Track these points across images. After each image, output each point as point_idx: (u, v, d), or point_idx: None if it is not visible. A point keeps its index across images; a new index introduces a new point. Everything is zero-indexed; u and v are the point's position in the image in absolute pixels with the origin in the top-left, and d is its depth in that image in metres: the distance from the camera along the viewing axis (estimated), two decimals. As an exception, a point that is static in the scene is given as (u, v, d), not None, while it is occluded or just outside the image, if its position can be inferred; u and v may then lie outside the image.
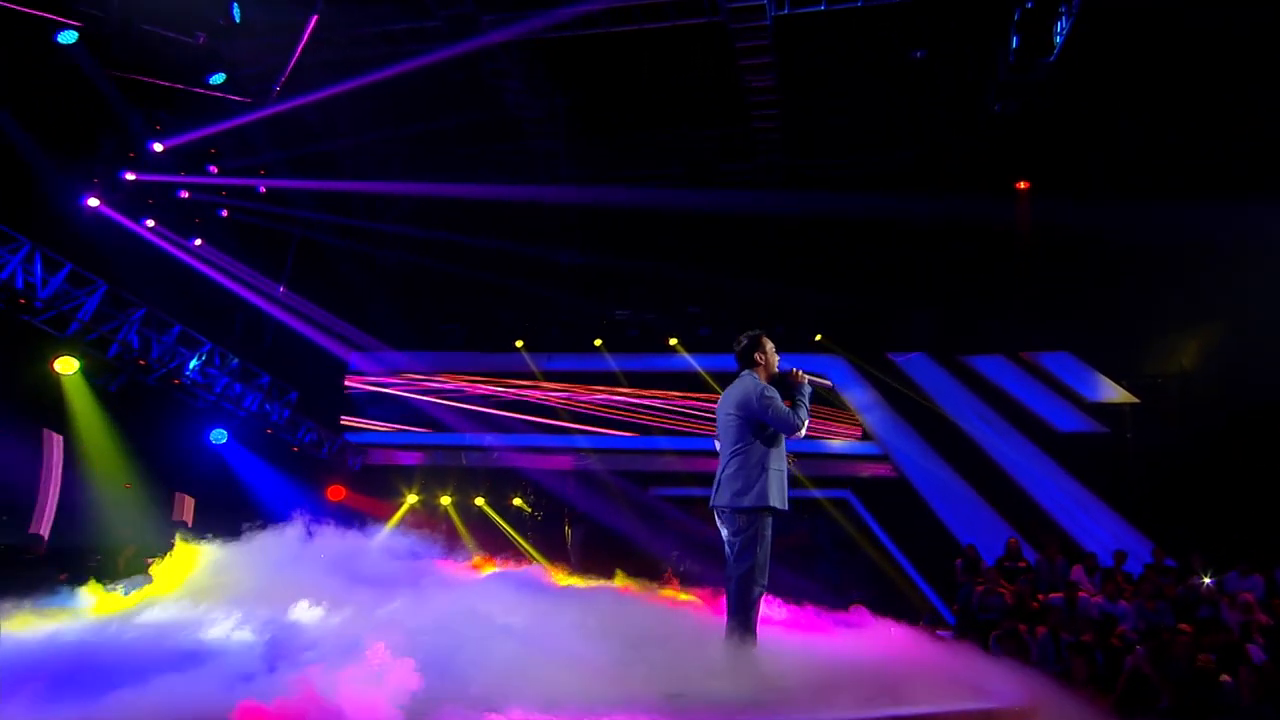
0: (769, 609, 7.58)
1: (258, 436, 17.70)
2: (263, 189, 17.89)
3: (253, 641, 5.58)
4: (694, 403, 18.25)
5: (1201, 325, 16.25)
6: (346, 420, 19.31)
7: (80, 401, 15.39)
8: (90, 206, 15.91)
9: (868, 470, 18.14)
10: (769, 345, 6.25)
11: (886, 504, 17.96)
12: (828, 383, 6.37)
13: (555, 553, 17.13)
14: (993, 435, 17.13)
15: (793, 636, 7.08)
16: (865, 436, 18.17)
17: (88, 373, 15.23)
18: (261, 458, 17.63)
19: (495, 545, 17.13)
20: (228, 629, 6.03)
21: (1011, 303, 16.62)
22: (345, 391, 19.18)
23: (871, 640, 7.03)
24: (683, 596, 11.30)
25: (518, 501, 18.95)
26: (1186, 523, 14.22)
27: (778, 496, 5.82)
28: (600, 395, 18.75)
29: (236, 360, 17.42)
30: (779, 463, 5.91)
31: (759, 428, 5.92)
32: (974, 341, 17.65)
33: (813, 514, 18.04)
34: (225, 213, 17.92)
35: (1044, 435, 16.95)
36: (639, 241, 17.64)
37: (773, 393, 5.91)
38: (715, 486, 5.97)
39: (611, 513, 17.70)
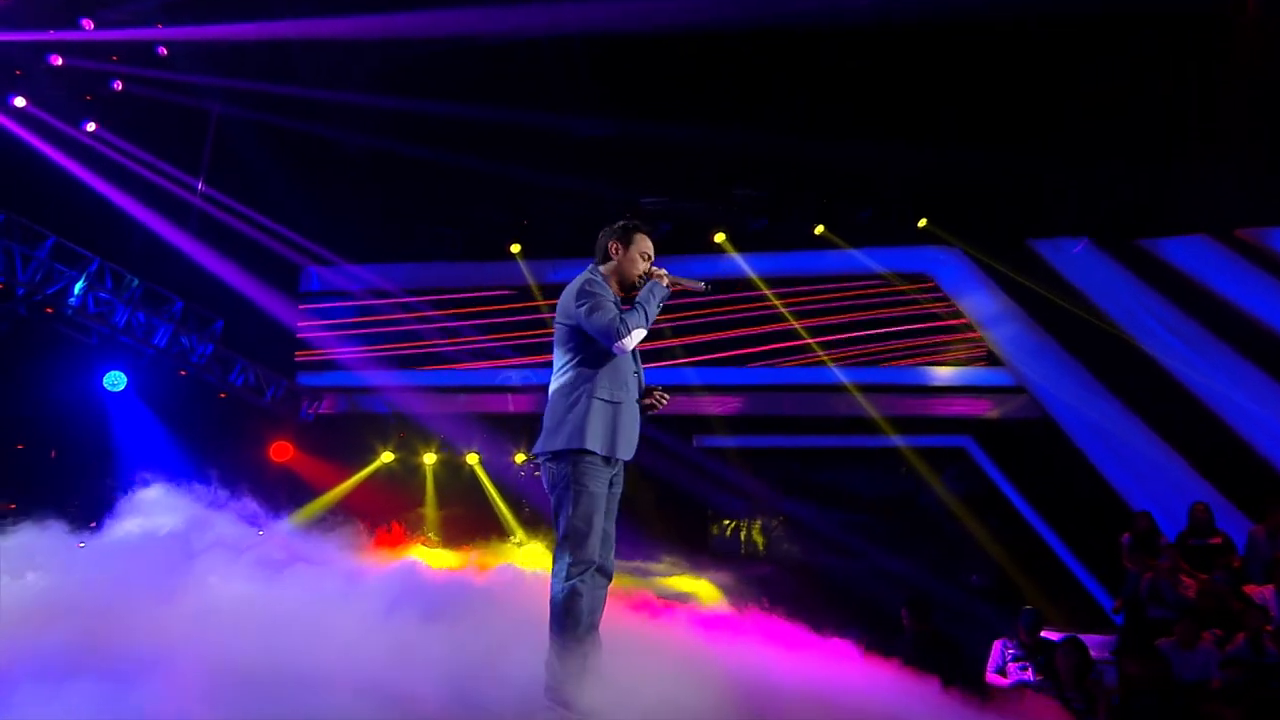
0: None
1: (171, 380, 13.82)
2: (163, 49, 13.66)
3: None
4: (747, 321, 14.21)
5: None
6: (302, 355, 15.21)
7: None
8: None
9: (995, 408, 13.81)
10: (638, 242, 4.87)
11: (1022, 454, 13.70)
12: (701, 285, 4.93)
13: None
14: (1186, 353, 12.50)
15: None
16: (991, 361, 13.67)
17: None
18: (178, 408, 13.83)
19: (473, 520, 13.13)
20: None
21: (1223, 159, 11.70)
22: (295, 320, 15.03)
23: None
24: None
25: (521, 458, 14.68)
26: None
27: (603, 437, 4.53)
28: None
29: (138, 281, 13.51)
30: (614, 390, 4.62)
31: (583, 340, 4.68)
32: (1163, 217, 12.82)
33: (914, 470, 14.03)
34: (119, 84, 13.75)
35: (1267, 350, 12.01)
36: (675, 97, 13.42)
37: (600, 288, 4.68)
38: None
39: (642, 470, 13.30)
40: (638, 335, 4.58)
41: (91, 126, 13.83)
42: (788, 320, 13.97)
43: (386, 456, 15.10)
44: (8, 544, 6.27)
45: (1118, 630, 10.16)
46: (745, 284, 14.19)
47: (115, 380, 13.51)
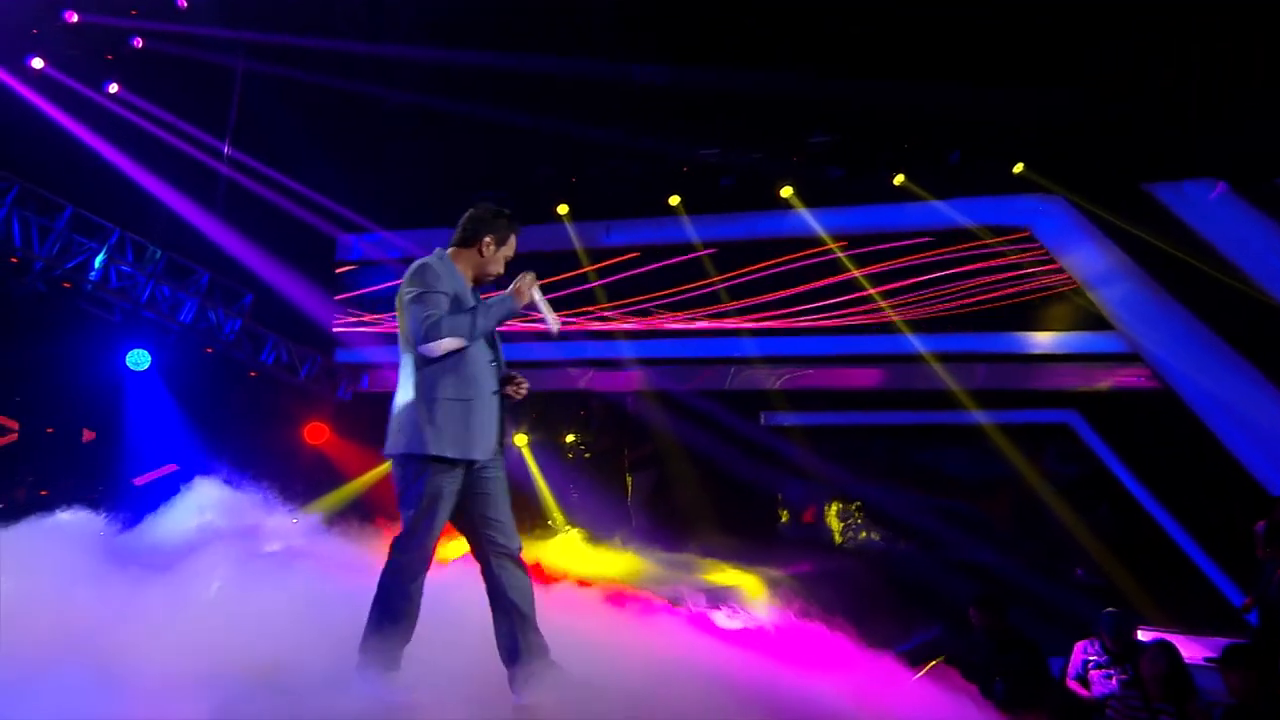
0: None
1: (198, 358, 13.08)
2: (183, 1, 12.87)
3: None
4: (819, 285, 12.76)
5: None
6: (339, 330, 14.34)
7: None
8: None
9: (1105, 378, 12.20)
10: (511, 242, 4.57)
11: (1136, 431, 12.10)
12: (555, 327, 4.45)
13: (611, 514, 11.90)
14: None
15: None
16: (1101, 325, 12.04)
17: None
18: (206, 388, 13.12)
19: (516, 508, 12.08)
20: None
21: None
22: (331, 292, 14.16)
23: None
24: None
25: (572, 438, 13.63)
26: None
27: (449, 440, 4.26)
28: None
29: (161, 253, 12.78)
30: (461, 388, 4.32)
31: None
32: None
33: (1010, 449, 12.53)
34: (139, 41, 12.98)
35: None
36: (737, 37, 12.13)
37: (434, 278, 4.30)
38: None
39: (700, 452, 12.16)
40: (451, 344, 4.25)
41: (114, 88, 13.17)
42: (863, 284, 12.58)
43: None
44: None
45: (1251, 632, 8.94)
46: (814, 242, 12.82)
47: (139, 359, 12.82)
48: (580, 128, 13.13)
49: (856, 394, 12.92)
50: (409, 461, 4.32)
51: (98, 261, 12.66)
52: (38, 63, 12.45)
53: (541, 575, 7.48)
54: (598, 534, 11.13)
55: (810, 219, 12.92)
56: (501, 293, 4.37)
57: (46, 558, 5.57)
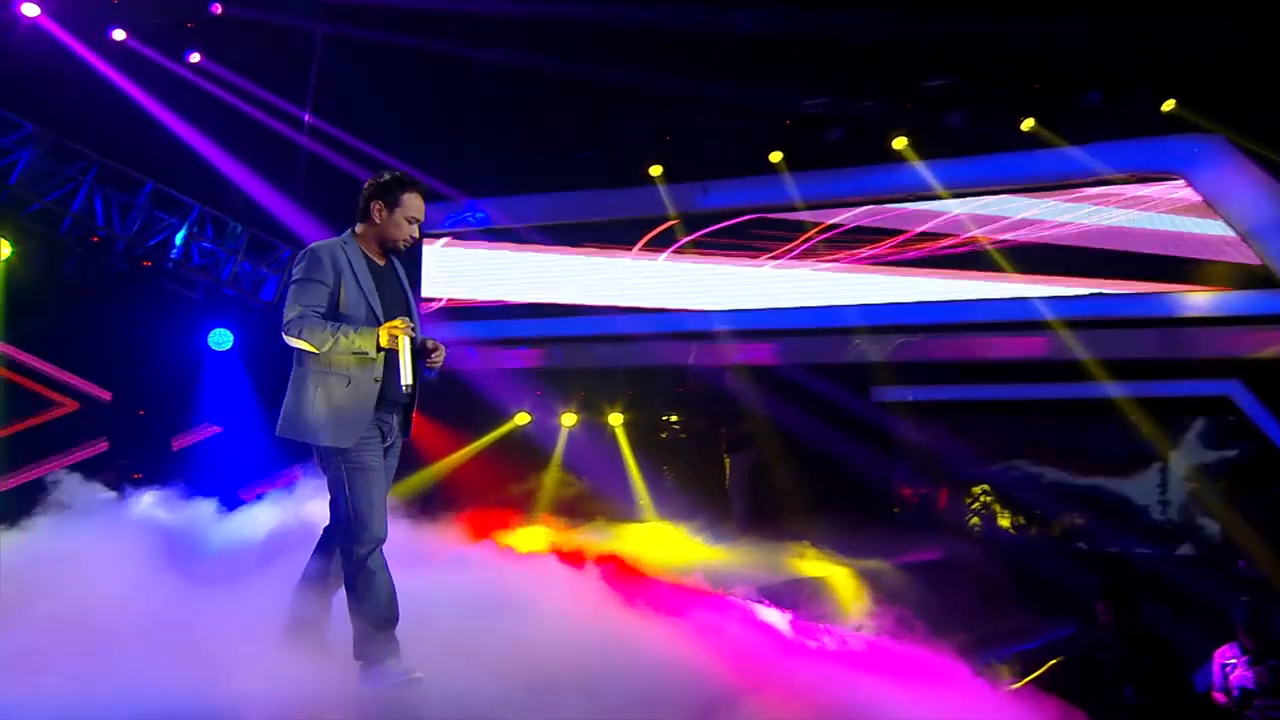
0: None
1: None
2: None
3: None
4: (934, 246, 11.61)
5: None
6: (425, 306, 13.92)
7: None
8: (28, 17, 11.54)
9: (1273, 343, 10.65)
10: (405, 203, 4.55)
11: None
12: (405, 385, 4.39)
13: (709, 499, 11.09)
14: None
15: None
16: (1267, 283, 10.46)
17: (34, 256, 11.59)
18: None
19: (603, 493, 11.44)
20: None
21: None
22: (416, 266, 13.72)
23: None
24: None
25: (672, 418, 12.87)
26: None
27: (329, 426, 4.37)
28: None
29: (242, 229, 12.51)
30: (345, 368, 4.39)
31: None
32: None
33: (1161, 425, 11.23)
34: (218, 7, 12.71)
35: None
36: None
37: (312, 265, 4.41)
38: None
39: (803, 431, 11.21)
40: (302, 346, 4.36)
41: (196, 57, 12.86)
42: (981, 240, 11.38)
43: (521, 418, 13.58)
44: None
45: None
46: (930, 197, 11.67)
47: (221, 339, 12.52)
48: (675, 82, 12.17)
49: (980, 365, 11.71)
50: (318, 450, 4.47)
51: (179, 238, 12.49)
52: (119, 34, 12.21)
53: (616, 566, 6.84)
54: (688, 520, 10.37)
55: (926, 172, 11.74)
56: (373, 329, 4.35)
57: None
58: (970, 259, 11.53)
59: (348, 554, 4.43)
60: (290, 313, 4.39)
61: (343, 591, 4.48)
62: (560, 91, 13.11)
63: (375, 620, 4.37)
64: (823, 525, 9.80)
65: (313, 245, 4.55)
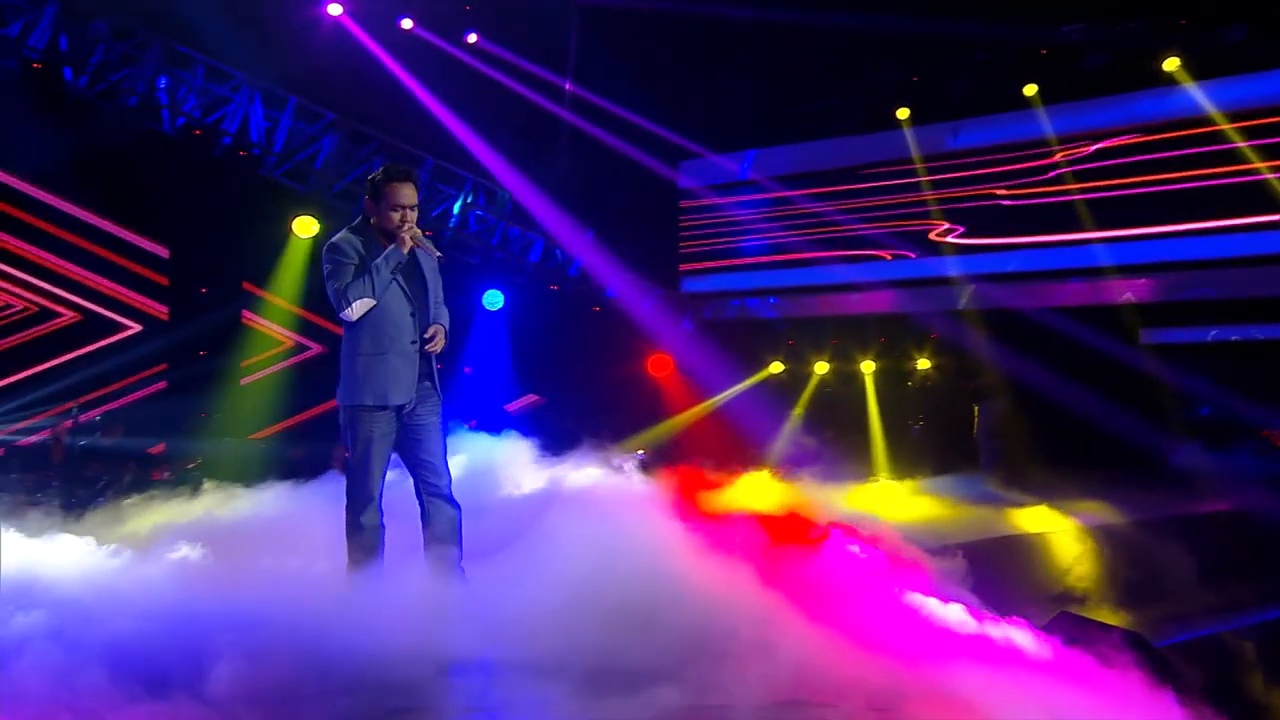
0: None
1: (543, 296, 13.69)
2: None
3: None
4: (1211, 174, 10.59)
5: None
6: (684, 263, 14.37)
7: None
8: (331, 16, 12.51)
9: None
10: (389, 195, 4.83)
11: None
12: (436, 253, 5.07)
13: (955, 449, 10.88)
14: None
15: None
16: None
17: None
18: (553, 325, 13.76)
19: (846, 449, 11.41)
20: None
21: None
22: (674, 221, 14.13)
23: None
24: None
25: (925, 364, 12.62)
26: None
27: (370, 389, 4.86)
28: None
29: (509, 196, 13.45)
30: (377, 342, 4.85)
31: None
32: None
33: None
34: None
35: None
36: None
37: (341, 252, 4.82)
38: None
39: (1061, 377, 10.77)
40: (361, 306, 4.73)
41: (473, 38, 13.59)
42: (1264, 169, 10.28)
43: (775, 367, 13.81)
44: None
45: None
46: (1205, 123, 10.66)
47: (494, 299, 13.61)
48: (919, 21, 11.67)
49: (1264, 303, 10.62)
50: (342, 411, 4.99)
51: (456, 208, 13.55)
52: (407, 23, 13.04)
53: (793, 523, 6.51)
54: (929, 471, 10.20)
55: (1201, 96, 10.74)
56: (388, 247, 4.76)
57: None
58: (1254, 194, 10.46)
59: (347, 498, 4.96)
60: (334, 294, 4.77)
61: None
62: (806, 42, 12.88)
63: (358, 562, 4.90)
64: (1075, 475, 9.32)
65: (333, 239, 4.89)
